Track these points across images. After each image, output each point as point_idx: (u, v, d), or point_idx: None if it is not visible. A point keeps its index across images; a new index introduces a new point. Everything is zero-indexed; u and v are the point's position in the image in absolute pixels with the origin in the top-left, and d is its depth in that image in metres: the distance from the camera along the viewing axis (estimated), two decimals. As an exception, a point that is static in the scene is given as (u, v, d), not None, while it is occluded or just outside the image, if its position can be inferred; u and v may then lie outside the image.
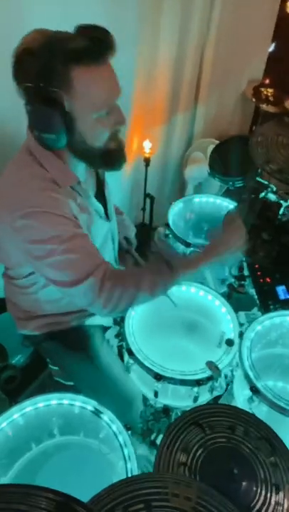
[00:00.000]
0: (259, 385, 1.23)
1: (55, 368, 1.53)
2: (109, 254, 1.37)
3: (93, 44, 0.93)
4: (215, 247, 1.17)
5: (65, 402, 1.14)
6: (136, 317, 1.44)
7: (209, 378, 1.26)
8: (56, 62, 0.92)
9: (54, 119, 0.95)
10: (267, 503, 0.85)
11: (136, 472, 0.99)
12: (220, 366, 1.27)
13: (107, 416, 1.10)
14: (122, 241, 1.51)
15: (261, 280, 1.65)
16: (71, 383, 1.50)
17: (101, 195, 1.28)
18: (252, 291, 1.71)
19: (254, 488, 0.88)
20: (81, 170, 1.12)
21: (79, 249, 1.06)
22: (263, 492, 0.87)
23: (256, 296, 1.65)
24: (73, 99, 0.96)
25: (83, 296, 1.08)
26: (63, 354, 1.41)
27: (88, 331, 1.40)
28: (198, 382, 1.25)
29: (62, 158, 1.07)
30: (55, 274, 1.08)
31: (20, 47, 0.97)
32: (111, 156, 1.09)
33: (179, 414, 1.33)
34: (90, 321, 1.41)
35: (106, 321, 1.47)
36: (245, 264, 1.80)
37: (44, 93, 0.94)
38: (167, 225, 1.85)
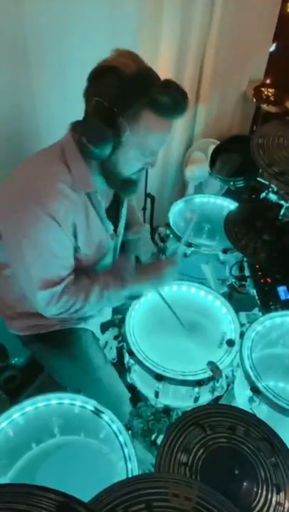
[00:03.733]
0: (260, 385, 1.23)
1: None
2: (107, 264, 1.38)
3: (173, 103, 1.01)
4: (140, 274, 1.32)
5: (66, 401, 1.13)
6: (136, 317, 1.44)
7: (210, 379, 1.26)
8: (137, 98, 0.99)
9: (107, 140, 1.02)
10: (268, 504, 0.85)
11: (136, 472, 0.99)
12: (221, 366, 1.27)
13: (108, 416, 1.10)
14: (132, 259, 1.51)
15: (262, 280, 1.65)
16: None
17: (115, 212, 1.31)
18: (253, 292, 1.70)
19: (255, 489, 0.87)
20: (100, 182, 1.16)
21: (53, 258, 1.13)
22: (264, 492, 0.87)
23: (257, 297, 1.64)
24: (132, 134, 1.03)
25: (42, 298, 1.16)
26: (50, 355, 1.42)
27: (76, 333, 1.40)
28: (199, 383, 1.25)
29: (88, 166, 1.12)
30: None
31: (110, 62, 1.01)
32: (128, 185, 1.18)
33: (180, 414, 1.33)
34: (77, 325, 1.41)
35: (93, 326, 1.46)
36: (246, 265, 1.80)
37: (112, 116, 1.00)
38: (168, 225, 1.86)
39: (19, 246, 1.10)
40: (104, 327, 1.56)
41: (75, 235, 1.16)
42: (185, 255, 1.81)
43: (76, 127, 1.13)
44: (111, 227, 1.28)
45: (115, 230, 1.33)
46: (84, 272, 1.27)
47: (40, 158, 1.15)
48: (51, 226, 1.08)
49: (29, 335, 1.39)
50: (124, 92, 0.98)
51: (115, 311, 1.54)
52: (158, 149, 1.12)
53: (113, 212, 1.31)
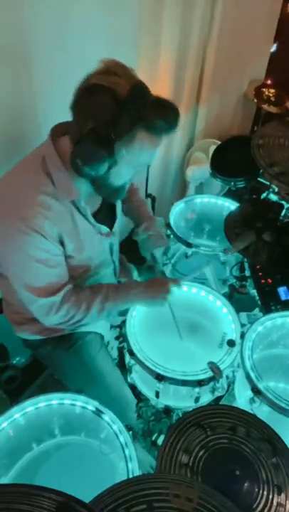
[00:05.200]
0: (260, 385, 1.23)
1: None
2: (107, 265, 1.38)
3: (166, 123, 1.01)
4: (143, 293, 1.32)
5: (66, 402, 1.14)
6: (137, 318, 1.44)
7: (211, 379, 1.26)
8: (130, 120, 0.98)
9: (103, 162, 1.01)
10: (269, 504, 0.85)
11: (137, 472, 0.99)
12: (221, 367, 1.27)
13: (108, 416, 1.10)
14: (148, 257, 1.52)
15: (262, 281, 1.65)
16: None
17: (109, 211, 1.30)
18: (253, 292, 1.70)
19: (256, 489, 0.87)
20: (85, 188, 1.15)
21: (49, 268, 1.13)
22: (265, 493, 0.87)
23: (257, 297, 1.64)
24: (126, 152, 1.03)
25: (39, 308, 1.17)
26: (58, 360, 1.41)
27: (84, 337, 1.40)
28: (199, 383, 1.25)
29: (70, 173, 1.10)
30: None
31: (100, 80, 0.99)
32: (115, 193, 1.17)
33: (180, 414, 1.33)
34: (87, 328, 1.41)
35: (103, 329, 1.46)
36: (246, 265, 1.80)
37: (109, 142, 0.99)
38: (168, 225, 1.86)
39: (8, 259, 1.10)
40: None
41: (62, 244, 1.15)
42: (186, 256, 1.81)
43: (55, 132, 1.12)
44: (104, 228, 1.26)
45: (111, 228, 1.31)
46: (83, 279, 1.27)
47: (21, 169, 1.13)
48: (36, 238, 1.07)
49: (38, 339, 1.39)
50: (120, 117, 0.97)
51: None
52: (150, 162, 1.14)
53: (107, 211, 1.30)
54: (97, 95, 0.98)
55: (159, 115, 1.00)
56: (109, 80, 0.98)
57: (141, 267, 1.65)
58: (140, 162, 1.09)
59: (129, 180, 1.15)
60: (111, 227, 1.31)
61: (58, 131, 1.12)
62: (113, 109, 0.96)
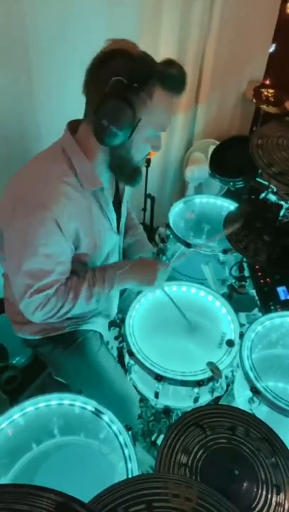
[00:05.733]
0: (259, 385, 1.23)
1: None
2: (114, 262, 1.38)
3: (180, 77, 1.05)
4: (130, 272, 1.28)
5: (66, 402, 1.13)
6: (136, 318, 1.44)
7: (210, 379, 1.26)
8: (149, 75, 1.02)
9: (127, 118, 1.01)
10: (267, 504, 0.85)
11: (136, 472, 0.99)
12: (220, 367, 1.27)
13: (108, 416, 1.10)
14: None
15: (262, 281, 1.65)
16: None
17: (116, 209, 1.31)
18: (252, 292, 1.71)
19: (255, 489, 0.87)
20: (105, 178, 1.17)
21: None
22: (264, 493, 0.87)
23: (257, 297, 1.64)
24: (146, 110, 1.05)
25: (27, 303, 1.16)
26: (60, 358, 1.41)
27: (85, 335, 1.40)
28: (198, 383, 1.25)
29: (92, 163, 1.12)
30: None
31: (111, 47, 1.02)
32: (136, 174, 1.18)
33: (180, 414, 1.33)
34: (87, 326, 1.41)
35: (102, 328, 1.46)
36: (245, 265, 1.80)
37: (131, 92, 1.01)
38: (168, 226, 1.86)
39: (18, 248, 1.10)
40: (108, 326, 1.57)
41: (78, 241, 1.16)
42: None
43: (73, 126, 1.13)
44: (114, 222, 1.27)
45: (118, 228, 1.32)
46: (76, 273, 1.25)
47: (42, 160, 1.14)
48: (52, 230, 1.07)
49: (39, 338, 1.39)
50: (137, 69, 1.00)
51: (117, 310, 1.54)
52: (166, 127, 1.15)
53: (116, 211, 1.31)
54: (111, 59, 1.01)
55: (171, 68, 1.04)
56: (120, 44, 1.03)
57: None
58: (160, 124, 1.11)
59: (146, 155, 1.16)
60: (117, 226, 1.32)
61: (73, 125, 1.14)
62: (130, 64, 1.00)
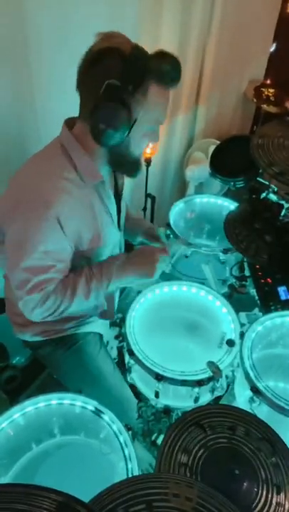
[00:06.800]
0: (260, 385, 1.23)
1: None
2: None
3: (173, 69, 1.04)
4: (128, 265, 1.23)
5: (66, 402, 1.13)
6: (137, 317, 1.44)
7: (210, 379, 1.26)
8: (143, 74, 1.01)
9: (123, 119, 1.02)
10: (268, 504, 0.85)
11: (137, 472, 0.99)
12: (221, 367, 1.27)
13: (108, 416, 1.10)
14: (139, 239, 1.50)
15: (262, 280, 1.65)
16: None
17: (116, 206, 1.30)
18: (253, 292, 1.70)
19: (255, 489, 0.87)
20: (105, 172, 1.16)
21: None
22: (264, 493, 0.87)
23: (257, 297, 1.64)
24: (142, 109, 1.05)
25: (28, 300, 1.14)
26: (58, 361, 1.41)
27: (85, 338, 1.39)
28: (199, 383, 1.25)
29: (91, 157, 1.11)
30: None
31: (102, 45, 1.01)
32: (136, 166, 1.18)
33: (180, 414, 1.33)
34: (87, 328, 1.41)
35: (102, 327, 1.46)
36: (246, 265, 1.80)
37: (125, 94, 1.01)
38: (168, 225, 1.86)
39: (18, 244, 1.10)
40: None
41: (79, 238, 1.15)
42: (185, 256, 1.81)
43: (70, 122, 1.13)
44: (115, 217, 1.27)
45: (118, 223, 1.32)
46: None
47: (43, 158, 1.14)
48: (53, 227, 1.07)
49: (39, 340, 1.39)
50: (129, 69, 0.99)
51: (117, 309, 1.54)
52: (163, 120, 1.14)
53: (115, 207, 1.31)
54: (103, 59, 1.00)
55: (164, 61, 1.02)
56: (112, 41, 1.01)
57: None
58: (156, 118, 1.10)
59: (143, 147, 1.16)
60: (118, 221, 1.31)
61: (70, 121, 1.14)
62: (122, 64, 0.99)
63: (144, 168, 2.35)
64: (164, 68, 1.02)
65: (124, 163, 1.15)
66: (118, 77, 0.99)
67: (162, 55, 1.04)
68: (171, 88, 1.07)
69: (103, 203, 1.19)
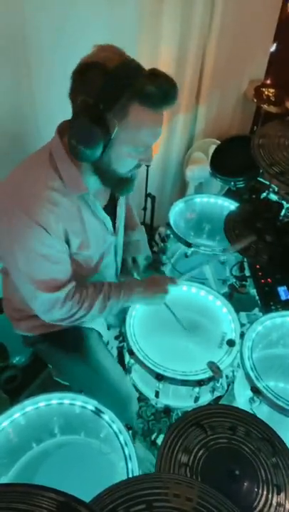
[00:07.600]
0: (260, 385, 1.23)
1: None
2: (110, 266, 1.38)
3: (160, 93, 0.97)
4: (144, 293, 1.33)
5: (66, 401, 1.14)
6: (137, 317, 1.44)
7: (210, 379, 1.26)
8: (122, 91, 0.96)
9: (97, 139, 0.99)
10: (268, 504, 0.85)
11: (137, 472, 0.99)
12: (221, 367, 1.27)
13: (108, 415, 1.10)
14: (129, 261, 1.51)
15: (262, 281, 1.65)
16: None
17: (112, 210, 1.30)
18: (253, 292, 1.71)
19: (255, 489, 0.87)
20: (93, 182, 1.15)
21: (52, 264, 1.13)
22: (264, 493, 0.87)
23: (257, 297, 1.64)
24: (121, 129, 1.00)
25: (42, 303, 1.17)
26: (58, 355, 1.41)
27: (83, 332, 1.39)
28: (199, 383, 1.25)
29: (78, 168, 1.10)
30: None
31: (91, 58, 0.99)
32: (123, 184, 1.16)
33: (180, 414, 1.33)
34: (86, 324, 1.41)
35: (101, 327, 1.47)
36: (246, 265, 1.80)
37: (99, 114, 0.98)
38: (168, 225, 1.86)
39: (12, 252, 1.10)
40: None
41: (67, 242, 1.15)
42: (186, 256, 1.81)
43: (63, 129, 1.12)
44: (109, 223, 1.26)
45: (114, 228, 1.32)
46: (87, 277, 1.26)
47: (29, 164, 1.13)
48: (41, 233, 1.07)
49: (36, 335, 1.39)
50: (108, 86, 0.95)
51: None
52: (151, 143, 1.08)
53: (110, 211, 1.30)
54: (88, 72, 0.98)
55: (151, 83, 0.96)
56: (99, 55, 0.98)
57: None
58: (139, 141, 1.04)
59: (134, 168, 1.12)
60: (113, 226, 1.31)
61: (64, 127, 1.12)
62: (101, 80, 0.95)
63: (144, 168, 2.35)
64: (148, 89, 0.96)
65: (110, 179, 1.13)
66: (96, 93, 0.96)
67: (153, 75, 0.98)
68: (159, 110, 1.01)
69: (92, 211, 1.19)
